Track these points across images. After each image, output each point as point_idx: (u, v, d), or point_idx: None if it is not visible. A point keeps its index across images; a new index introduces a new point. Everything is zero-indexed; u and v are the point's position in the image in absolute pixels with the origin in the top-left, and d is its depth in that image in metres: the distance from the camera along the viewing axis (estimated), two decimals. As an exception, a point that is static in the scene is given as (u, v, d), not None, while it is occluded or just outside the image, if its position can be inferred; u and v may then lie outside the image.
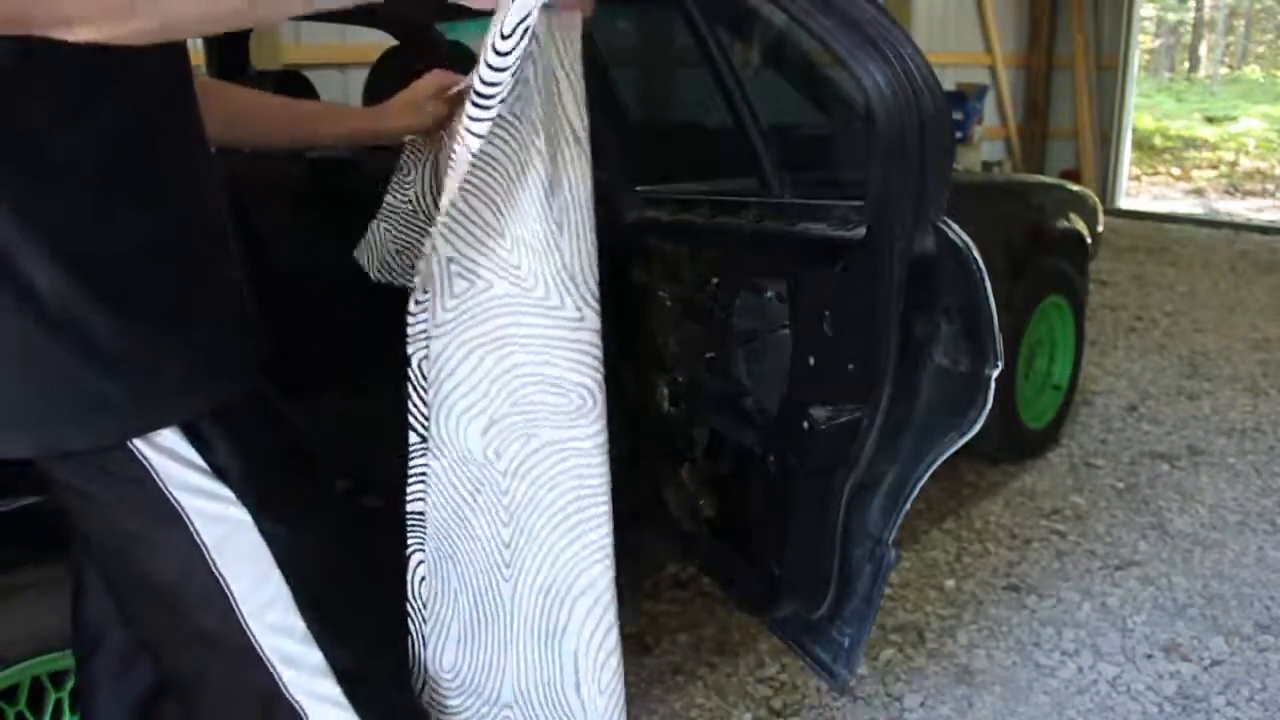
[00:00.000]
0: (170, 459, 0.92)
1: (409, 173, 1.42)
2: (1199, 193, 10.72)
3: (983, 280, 1.27)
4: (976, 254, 1.28)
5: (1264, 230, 7.63)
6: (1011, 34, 8.47)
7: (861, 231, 1.34)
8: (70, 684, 1.32)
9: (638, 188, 1.90)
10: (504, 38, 0.89)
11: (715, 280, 1.67)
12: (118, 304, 0.89)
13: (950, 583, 2.54)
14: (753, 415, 1.67)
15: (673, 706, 2.06)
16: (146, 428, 0.91)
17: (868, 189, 1.32)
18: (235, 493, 0.95)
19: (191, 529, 0.94)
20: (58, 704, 1.32)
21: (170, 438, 0.92)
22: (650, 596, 2.46)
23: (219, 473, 0.94)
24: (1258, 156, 13.00)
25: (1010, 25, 8.43)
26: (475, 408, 1.13)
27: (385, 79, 2.05)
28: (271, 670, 0.99)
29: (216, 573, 0.95)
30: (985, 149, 7.98)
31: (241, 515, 0.95)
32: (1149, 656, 2.23)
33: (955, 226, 1.30)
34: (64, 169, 0.87)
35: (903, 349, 1.36)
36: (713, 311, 1.68)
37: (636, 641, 2.28)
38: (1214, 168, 12.33)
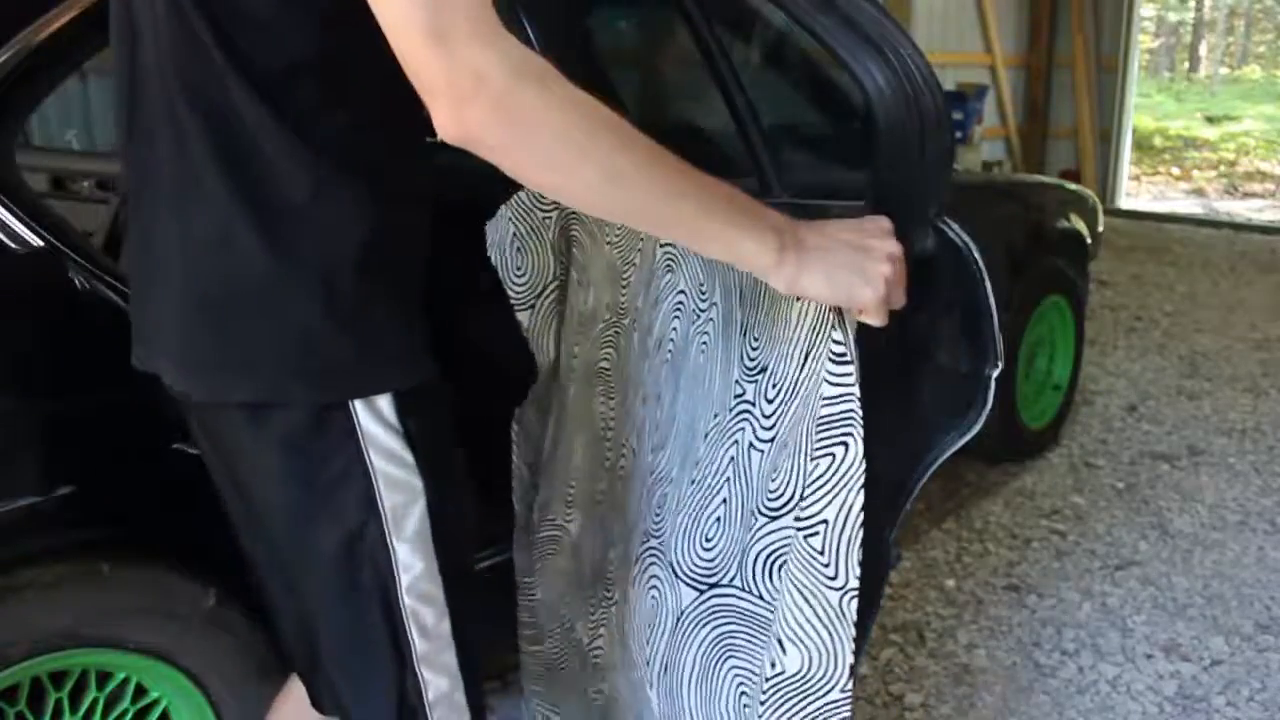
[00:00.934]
0: (377, 422, 0.95)
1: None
2: (1199, 193, 10.73)
3: (983, 280, 1.27)
4: (977, 254, 1.28)
5: (1264, 230, 7.64)
6: (1011, 34, 8.47)
7: (861, 231, 1.34)
8: (70, 684, 1.32)
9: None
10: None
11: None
12: (362, 266, 0.92)
13: (950, 583, 2.55)
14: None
15: (673, 706, 2.06)
16: (373, 390, 0.94)
17: (867, 189, 1.32)
18: (419, 464, 0.97)
19: (376, 490, 0.96)
20: (58, 704, 1.32)
21: (383, 403, 0.95)
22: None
23: (410, 442, 0.97)
24: (1258, 156, 13.01)
25: (1010, 25, 8.43)
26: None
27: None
28: (409, 638, 1.01)
29: (388, 533, 0.97)
30: (985, 149, 7.98)
31: (418, 484, 0.98)
32: (1149, 656, 2.23)
33: (955, 226, 1.29)
34: (353, 123, 0.91)
35: (903, 349, 1.36)
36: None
37: (636, 641, 2.28)
38: (1214, 168, 12.33)
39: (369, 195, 0.92)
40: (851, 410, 1.03)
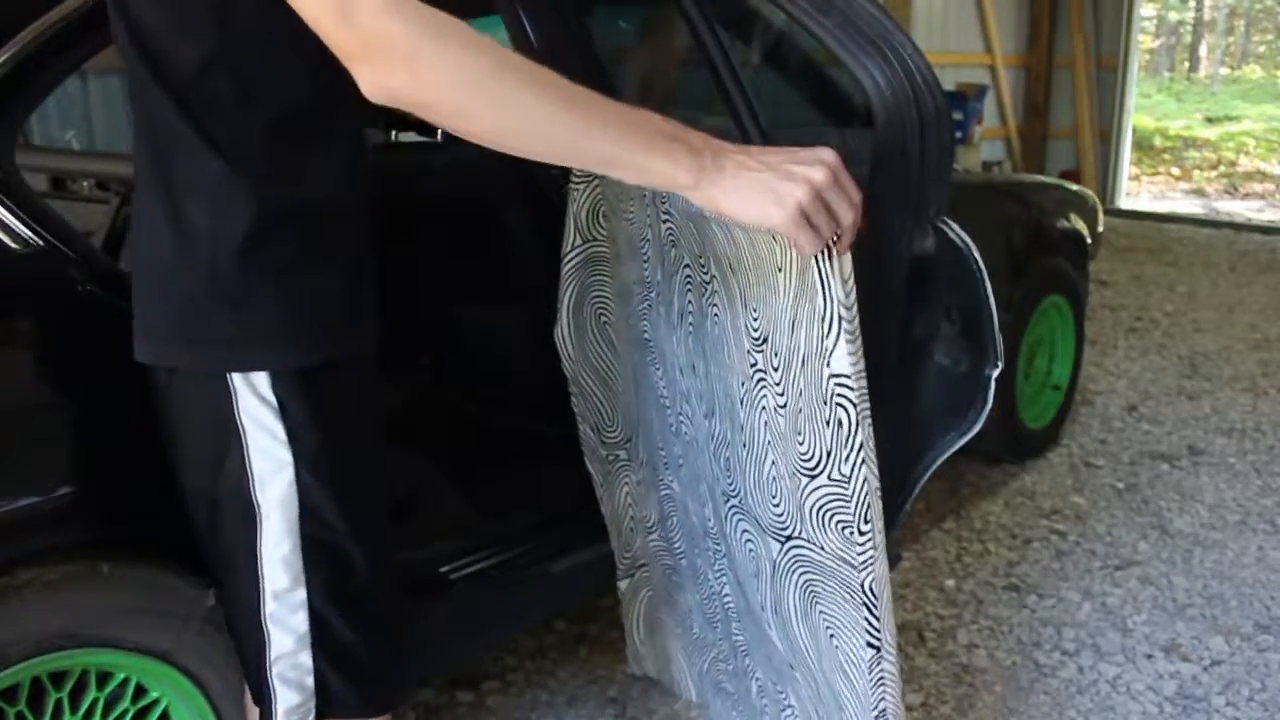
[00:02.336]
0: (251, 394, 1.05)
1: None
2: (1199, 193, 10.72)
3: (983, 280, 1.28)
4: (976, 254, 1.28)
5: (1264, 230, 7.63)
6: (1011, 34, 8.47)
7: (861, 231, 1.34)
8: (70, 684, 1.32)
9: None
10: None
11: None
12: (247, 251, 1.01)
13: (950, 583, 2.54)
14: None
15: (672, 707, 2.06)
16: (245, 367, 1.04)
17: (868, 189, 1.32)
18: (290, 439, 1.06)
19: (246, 452, 1.06)
20: (58, 704, 1.32)
21: (258, 378, 1.05)
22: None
23: (285, 418, 1.06)
24: (1258, 156, 13.00)
25: (1010, 25, 8.42)
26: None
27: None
28: (261, 590, 1.11)
29: (253, 491, 1.08)
30: (985, 149, 7.97)
31: (287, 457, 1.07)
32: (1149, 656, 2.23)
33: (955, 226, 1.30)
34: (264, 101, 1.00)
35: (903, 349, 1.36)
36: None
37: (636, 641, 2.28)
38: (1214, 168, 12.33)
39: (266, 187, 1.01)
40: (842, 378, 1.05)
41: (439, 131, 2.05)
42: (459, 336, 2.18)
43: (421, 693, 2.09)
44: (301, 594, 1.12)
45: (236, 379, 1.04)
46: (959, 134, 7.18)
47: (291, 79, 1.01)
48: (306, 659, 1.15)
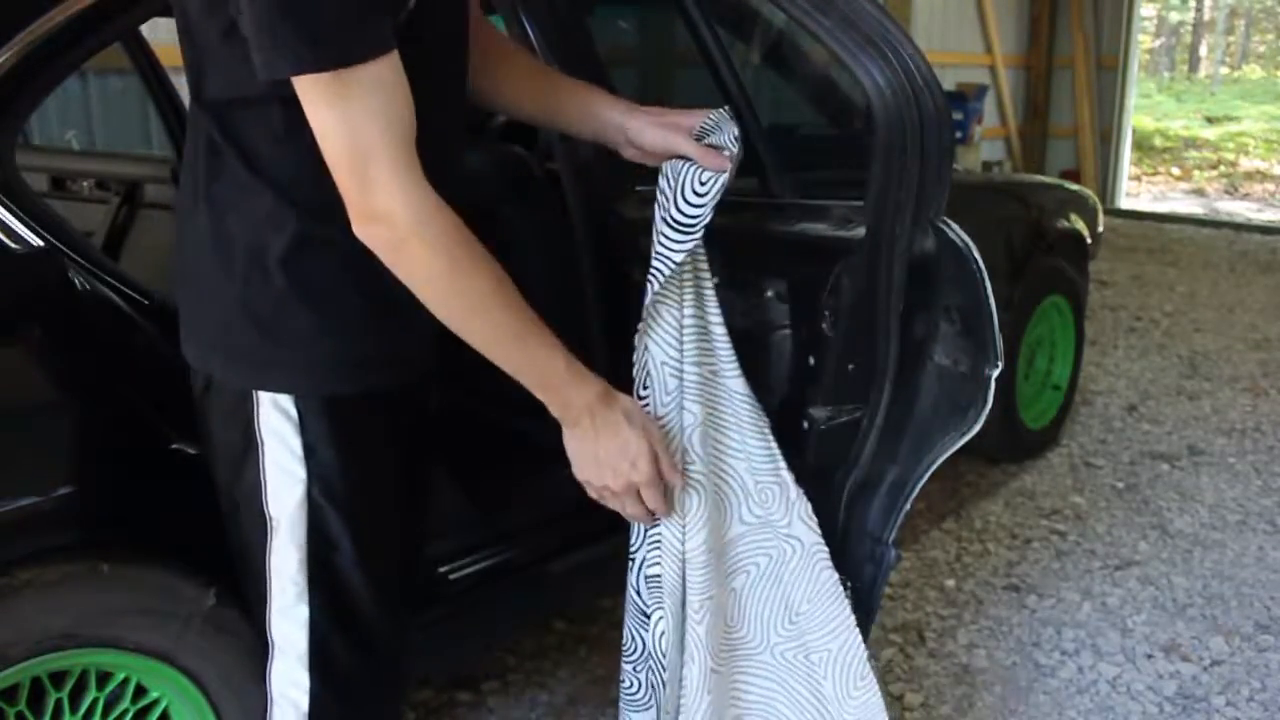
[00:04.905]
0: (274, 407, 1.08)
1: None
2: (1199, 193, 10.72)
3: (983, 280, 1.27)
4: (976, 254, 1.28)
5: (1264, 230, 7.63)
6: (1011, 34, 8.47)
7: (861, 231, 1.34)
8: (70, 684, 1.32)
9: (638, 188, 1.89)
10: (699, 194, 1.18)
11: (715, 280, 1.67)
12: (278, 275, 1.04)
13: (950, 583, 2.55)
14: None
15: (673, 706, 2.06)
16: (271, 388, 1.07)
17: (868, 189, 1.32)
18: (305, 456, 1.09)
19: (261, 462, 1.09)
20: (58, 704, 1.32)
21: (284, 399, 1.08)
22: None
23: (304, 434, 1.09)
24: (1258, 156, 13.00)
25: (1010, 25, 8.42)
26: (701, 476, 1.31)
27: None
28: (268, 590, 1.14)
29: (265, 500, 1.11)
30: (985, 149, 7.97)
31: (301, 474, 1.09)
32: (1149, 656, 2.23)
33: (955, 226, 1.30)
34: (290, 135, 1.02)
35: (903, 349, 1.36)
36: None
37: (636, 641, 2.28)
38: (1214, 168, 12.33)
39: (306, 217, 1.04)
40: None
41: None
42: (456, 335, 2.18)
43: (421, 693, 2.09)
44: (304, 611, 1.13)
45: (262, 392, 1.08)
46: (959, 134, 7.18)
47: None
48: (304, 677, 1.16)
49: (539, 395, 1.11)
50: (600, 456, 1.14)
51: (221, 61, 1.00)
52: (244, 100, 1.01)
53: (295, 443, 1.08)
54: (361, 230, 0.98)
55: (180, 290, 1.13)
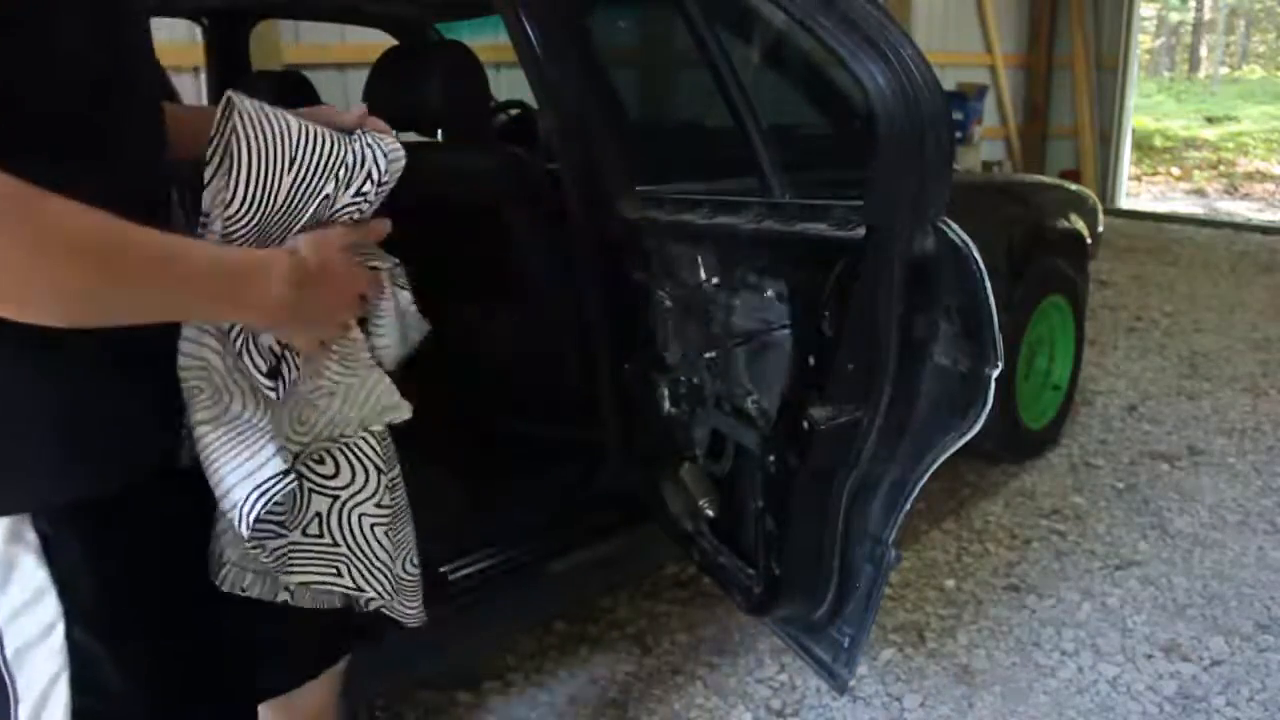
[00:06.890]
0: (13, 540, 0.85)
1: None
2: (1199, 193, 10.72)
3: (983, 280, 1.27)
4: (976, 254, 1.28)
5: (1264, 230, 7.63)
6: (1011, 34, 8.47)
7: (861, 231, 1.34)
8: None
9: (638, 188, 1.90)
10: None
11: (715, 280, 1.67)
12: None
13: (950, 583, 2.55)
14: (753, 415, 1.67)
15: (672, 707, 2.06)
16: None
17: (868, 189, 1.32)
18: (56, 583, 0.86)
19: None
20: (57, 704, 1.31)
21: (15, 520, 0.85)
22: (650, 596, 2.46)
23: (52, 565, 0.85)
24: (1258, 156, 13.00)
25: (1010, 25, 8.43)
26: None
27: (384, 79, 2.05)
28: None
29: (4, 672, 0.87)
30: (985, 149, 7.98)
31: (54, 612, 0.86)
32: (1149, 656, 2.23)
33: (955, 226, 1.29)
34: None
35: (903, 349, 1.36)
36: (713, 312, 1.68)
37: (636, 641, 2.28)
38: (1214, 168, 12.33)
39: None
40: None
41: (437, 130, 2.05)
42: (456, 336, 2.18)
43: (421, 693, 2.09)
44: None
45: None
46: (959, 134, 7.19)
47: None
48: None
49: (222, 314, 0.90)
50: (326, 307, 0.98)
51: None
52: None
53: (38, 571, 0.85)
54: None
55: None
